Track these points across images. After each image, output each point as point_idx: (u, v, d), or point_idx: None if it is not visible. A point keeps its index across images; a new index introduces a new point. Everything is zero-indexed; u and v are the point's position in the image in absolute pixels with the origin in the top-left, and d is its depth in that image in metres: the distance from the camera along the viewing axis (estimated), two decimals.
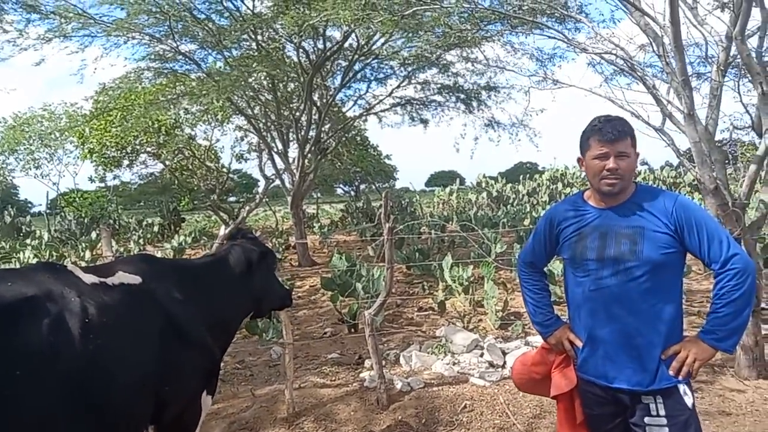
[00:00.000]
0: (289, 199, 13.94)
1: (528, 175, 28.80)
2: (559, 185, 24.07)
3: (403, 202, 24.60)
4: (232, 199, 27.38)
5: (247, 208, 24.27)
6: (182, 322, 2.87)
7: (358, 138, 25.06)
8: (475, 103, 14.61)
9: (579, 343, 2.59)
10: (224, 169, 22.77)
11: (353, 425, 4.60)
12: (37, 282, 2.35)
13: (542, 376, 2.75)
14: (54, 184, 22.90)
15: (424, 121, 15.84)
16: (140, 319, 2.68)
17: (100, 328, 2.39)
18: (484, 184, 26.85)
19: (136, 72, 12.05)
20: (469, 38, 10.32)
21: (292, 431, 4.59)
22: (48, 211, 21.29)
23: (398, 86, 14.40)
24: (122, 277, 2.75)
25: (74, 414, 2.22)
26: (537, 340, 5.92)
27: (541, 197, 22.98)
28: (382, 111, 15.78)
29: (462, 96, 14.37)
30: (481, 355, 5.67)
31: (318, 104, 13.80)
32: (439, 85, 14.43)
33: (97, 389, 2.32)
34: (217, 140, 20.87)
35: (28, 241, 16.94)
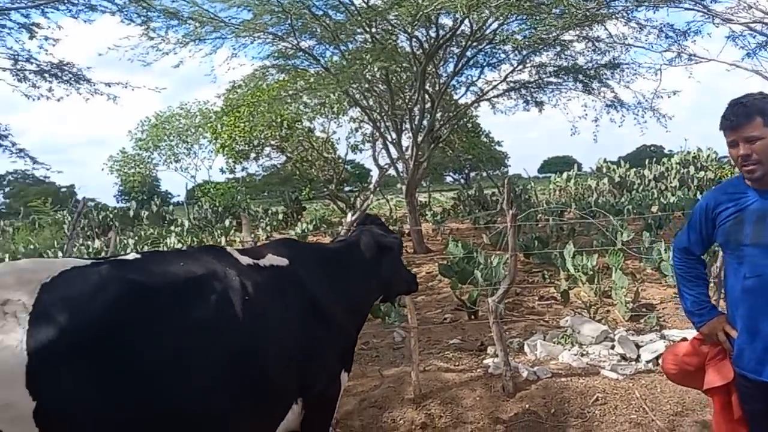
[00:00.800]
0: (403, 187, 14.15)
1: (653, 159, 26.74)
2: (691, 169, 22.07)
3: (516, 189, 23.99)
4: (347, 188, 28.29)
5: (363, 197, 25.04)
6: (324, 304, 3.06)
7: (470, 125, 24.77)
8: (595, 84, 13.84)
9: (734, 334, 2.42)
10: (340, 160, 23.63)
11: (480, 411, 4.64)
12: (204, 262, 2.63)
13: (695, 367, 2.60)
14: (192, 176, 25.14)
15: (539, 104, 15.30)
16: (288, 299, 2.90)
17: (256, 306, 2.63)
18: (604, 170, 25.39)
19: (262, 69, 12.82)
20: (590, 16, 9.82)
21: (419, 412, 4.72)
22: (186, 201, 23.43)
23: (512, 71, 14.02)
24: (272, 260, 2.99)
25: (236, 383, 2.46)
26: (674, 333, 5.55)
27: (671, 182, 21.27)
28: (495, 97, 15.49)
29: (581, 77, 13.68)
30: (612, 347, 5.43)
31: (431, 92, 13.82)
32: (555, 67, 13.85)
33: (254, 362, 2.56)
34: (334, 132, 21.61)
35: (172, 228, 18.80)
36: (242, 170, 22.35)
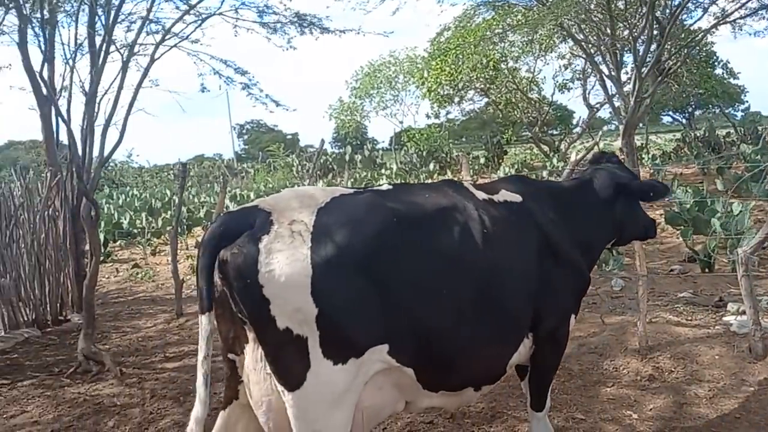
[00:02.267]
0: (621, 127, 12.94)
1: None
2: None
3: (759, 128, 20.42)
4: (553, 132, 26.97)
5: (568, 139, 23.61)
6: (557, 241, 3.00)
7: (702, 54, 21.49)
8: None
9: None
10: (545, 101, 22.50)
11: (719, 370, 4.22)
12: (446, 195, 2.75)
13: None
14: (399, 122, 26.30)
15: None
16: (522, 234, 2.90)
17: (494, 239, 2.69)
18: None
19: (473, 8, 12.58)
20: None
21: (645, 364, 4.47)
22: (393, 146, 24.68)
23: None
24: (505, 195, 3.01)
25: (480, 312, 2.58)
26: None
27: None
28: (741, 18, 13.08)
29: None
30: None
31: (660, 18, 12.19)
32: None
33: (493, 293, 2.64)
34: (539, 71, 20.58)
35: (382, 171, 20.08)
36: (446, 114, 22.67)
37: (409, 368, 2.42)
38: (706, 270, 6.52)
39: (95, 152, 6.01)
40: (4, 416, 4.48)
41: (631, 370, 4.43)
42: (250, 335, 2.31)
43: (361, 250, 2.25)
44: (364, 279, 2.24)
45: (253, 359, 2.33)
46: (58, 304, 7.14)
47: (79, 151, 5.93)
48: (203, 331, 2.25)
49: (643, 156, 18.92)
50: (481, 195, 2.89)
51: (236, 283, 2.18)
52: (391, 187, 2.65)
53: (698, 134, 21.77)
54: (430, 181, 15.67)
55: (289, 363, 2.20)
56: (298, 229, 2.25)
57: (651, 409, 3.84)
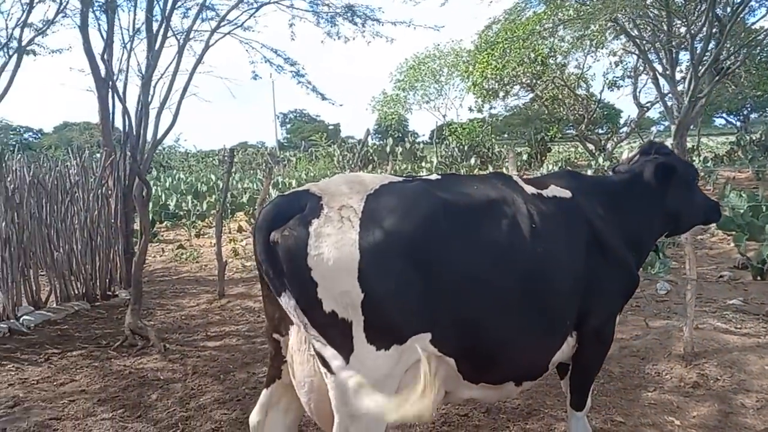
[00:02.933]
0: (673, 127, 12.54)
1: None
2: None
3: None
4: (599, 131, 26.32)
5: (615, 138, 22.98)
6: (606, 239, 2.93)
7: (763, 54, 20.53)
8: None
9: None
10: (593, 98, 21.96)
11: None
12: (495, 187, 2.73)
13: None
14: (443, 115, 26.15)
15: None
16: (570, 230, 2.84)
17: (543, 234, 2.65)
18: None
19: (524, 1, 12.35)
20: None
21: (690, 370, 4.34)
22: (435, 139, 24.57)
23: None
24: (555, 191, 2.95)
25: (525, 306, 2.55)
26: None
27: None
28: None
29: None
30: None
31: (720, 16, 11.72)
32: None
33: (540, 287, 2.60)
34: (589, 67, 20.08)
35: (422, 164, 20.03)
36: (489, 109, 22.41)
37: (451, 358, 2.42)
38: (758, 278, 6.27)
39: (149, 134, 6.19)
40: (54, 383, 4.70)
41: (674, 375, 4.32)
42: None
43: (409, 237, 2.26)
44: (410, 266, 2.25)
45: (297, 340, 2.38)
46: (107, 280, 7.42)
47: (134, 133, 6.12)
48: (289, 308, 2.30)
49: (694, 158, 18.27)
50: (530, 189, 2.85)
51: (285, 264, 2.23)
52: (440, 177, 2.65)
53: (754, 138, 20.85)
54: None
55: (333, 346, 2.23)
56: (347, 215, 2.27)
57: (694, 417, 3.73)
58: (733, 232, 7.08)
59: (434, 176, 2.64)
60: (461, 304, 2.36)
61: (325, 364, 2.25)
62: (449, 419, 3.84)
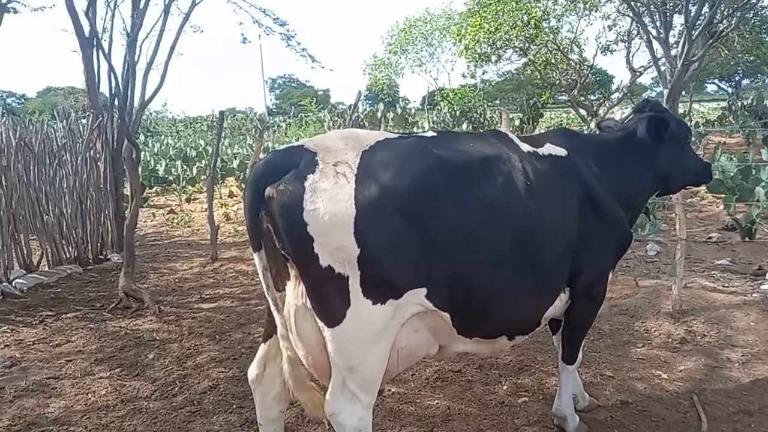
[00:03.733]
0: (665, 92, 12.51)
1: None
2: None
3: None
4: (591, 97, 26.19)
5: (608, 104, 22.93)
6: (600, 197, 2.94)
7: (756, 19, 20.39)
8: None
9: None
10: (586, 63, 21.78)
11: (754, 336, 4.17)
12: (491, 145, 2.72)
13: None
14: (434, 79, 25.82)
15: None
16: (565, 188, 2.85)
17: (537, 191, 2.65)
18: None
19: None
20: None
21: (678, 327, 4.44)
22: (427, 105, 24.36)
23: None
24: (551, 149, 2.95)
25: (519, 262, 2.57)
26: None
27: None
28: None
29: None
30: None
31: None
32: None
33: (533, 245, 2.62)
34: (582, 31, 19.85)
35: (414, 129, 19.88)
36: (482, 74, 22.18)
37: (446, 313, 2.45)
38: (746, 238, 6.36)
39: (136, 96, 6.07)
40: (51, 344, 4.72)
41: (662, 332, 4.41)
42: (292, 272, 2.36)
43: (405, 193, 2.25)
44: (406, 222, 2.25)
45: (294, 295, 2.39)
46: (99, 244, 7.40)
47: (121, 93, 6.00)
48: (259, 267, 2.32)
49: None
50: (526, 147, 2.84)
51: (281, 219, 2.22)
52: (436, 134, 2.63)
53: (745, 103, 20.86)
54: None
55: (329, 300, 2.25)
56: (342, 170, 2.26)
57: (681, 371, 3.84)
58: (723, 195, 7.15)
59: (430, 133, 2.62)
60: (456, 259, 2.38)
61: (322, 318, 2.28)
62: (443, 375, 3.92)
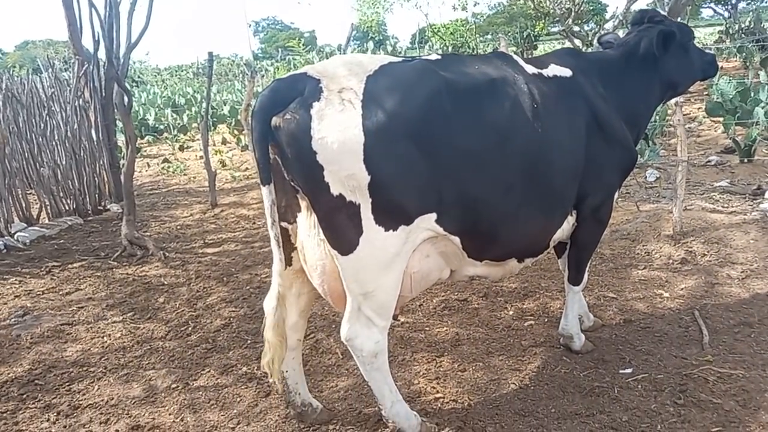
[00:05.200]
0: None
1: None
2: None
3: None
4: (585, 27, 25.50)
5: (602, 31, 22.40)
6: (605, 117, 2.92)
7: None
8: None
9: None
10: None
11: (753, 253, 4.25)
12: (496, 67, 2.66)
13: None
14: (425, 14, 24.98)
15: None
16: (571, 110, 2.81)
17: (544, 113, 2.62)
18: None
19: None
20: None
21: (678, 248, 4.51)
22: (418, 42, 23.72)
23: None
24: (555, 70, 2.90)
25: (527, 184, 2.57)
26: None
27: None
28: None
29: None
30: None
31: None
32: None
33: (541, 167, 2.61)
34: None
35: None
36: (474, 5, 21.48)
37: (456, 237, 2.47)
38: (746, 160, 6.38)
39: (122, 39, 5.88)
40: (60, 293, 4.78)
41: (663, 254, 4.49)
42: (303, 203, 2.36)
43: (412, 117, 2.22)
44: (414, 147, 2.23)
45: (306, 226, 2.40)
46: (97, 194, 7.36)
47: (106, 36, 5.80)
48: (267, 201, 2.30)
49: None
50: (530, 69, 2.79)
51: (290, 149, 2.19)
52: (440, 56, 2.56)
53: (743, 26, 20.40)
54: None
55: (342, 228, 2.26)
56: (348, 97, 2.21)
57: (682, 289, 3.93)
58: (722, 118, 7.10)
59: (434, 56, 2.56)
60: (465, 183, 2.38)
61: (336, 246, 2.29)
62: (449, 304, 4.00)
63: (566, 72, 2.91)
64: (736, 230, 4.57)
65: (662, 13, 3.49)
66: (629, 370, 3.02)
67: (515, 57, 2.87)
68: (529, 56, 20.49)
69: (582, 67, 3.00)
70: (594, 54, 3.56)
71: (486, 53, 3.03)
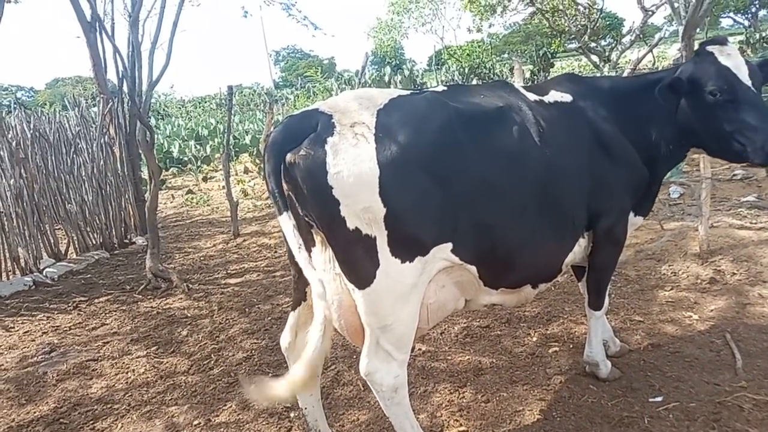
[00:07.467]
0: (680, 28, 12.07)
1: None
2: None
3: None
4: (602, 42, 25.45)
5: (620, 47, 22.30)
6: (609, 138, 2.87)
7: None
8: None
9: None
10: (595, 6, 21.09)
11: None
12: (500, 95, 2.68)
13: None
14: (440, 38, 25.32)
15: None
16: (573, 133, 2.79)
17: (549, 139, 2.62)
18: None
19: None
20: None
21: (706, 267, 4.39)
22: (435, 64, 23.93)
23: None
24: (555, 96, 2.90)
25: (537, 209, 2.56)
26: None
27: None
28: None
29: None
30: None
31: None
32: None
33: (548, 192, 2.59)
34: None
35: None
36: (489, 27, 21.65)
37: (472, 265, 2.45)
38: None
39: (144, 77, 6.05)
40: (86, 328, 4.85)
41: (690, 273, 4.38)
42: (317, 238, 2.37)
43: (425, 148, 2.23)
44: (428, 178, 2.23)
45: (322, 261, 2.40)
46: (122, 228, 7.51)
47: (128, 75, 5.98)
48: (288, 228, 2.25)
49: None
50: (531, 96, 2.82)
51: (305, 184, 2.21)
52: (446, 87, 2.58)
53: (764, 35, 20.13)
54: None
55: (358, 262, 2.25)
56: (360, 131, 2.23)
57: (712, 310, 3.81)
58: None
59: (440, 87, 2.58)
60: (479, 210, 2.37)
61: (352, 280, 2.29)
62: (471, 332, 3.94)
63: (566, 97, 2.92)
64: (766, 247, 4.44)
65: (678, 51, 3.25)
66: (659, 399, 2.92)
67: (516, 85, 2.90)
68: (546, 73, 20.50)
69: (582, 91, 3.00)
70: (595, 78, 3.56)
71: (488, 82, 3.04)
